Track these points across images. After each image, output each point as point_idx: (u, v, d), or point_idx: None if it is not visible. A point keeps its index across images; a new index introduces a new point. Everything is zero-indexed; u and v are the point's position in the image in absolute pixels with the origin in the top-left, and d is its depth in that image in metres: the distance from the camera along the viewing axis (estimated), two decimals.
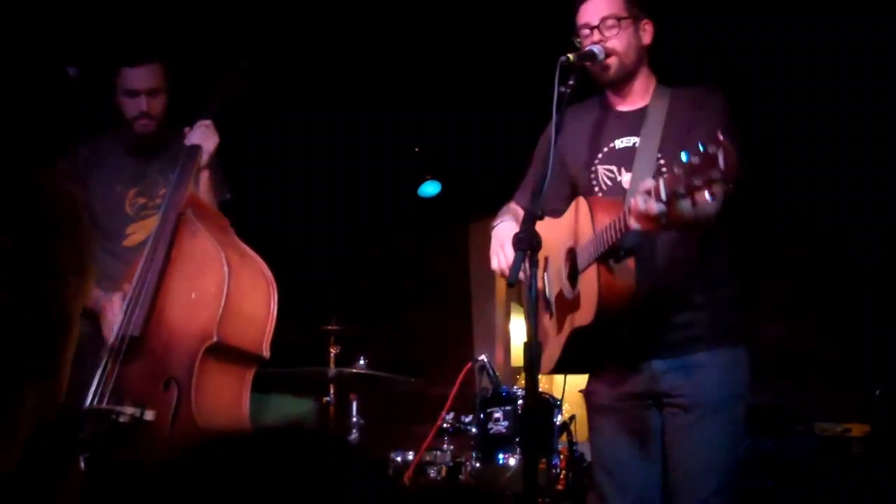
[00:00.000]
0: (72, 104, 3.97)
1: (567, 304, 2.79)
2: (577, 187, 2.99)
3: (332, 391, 4.85)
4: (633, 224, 2.43)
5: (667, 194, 2.30)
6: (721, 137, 2.18)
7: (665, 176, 2.31)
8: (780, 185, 4.93)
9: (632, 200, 2.43)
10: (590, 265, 2.65)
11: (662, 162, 2.80)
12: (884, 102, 4.65)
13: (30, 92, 4.12)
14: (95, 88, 3.72)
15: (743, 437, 2.85)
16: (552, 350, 2.85)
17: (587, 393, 3.02)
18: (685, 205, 2.31)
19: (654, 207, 2.34)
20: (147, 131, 3.70)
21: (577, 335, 2.73)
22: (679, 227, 2.51)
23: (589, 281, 2.66)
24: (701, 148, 2.21)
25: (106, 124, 3.83)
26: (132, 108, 3.66)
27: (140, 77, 3.66)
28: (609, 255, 2.60)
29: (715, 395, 2.76)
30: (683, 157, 2.25)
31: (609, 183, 2.90)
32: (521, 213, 3.02)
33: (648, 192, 2.36)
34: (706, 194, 2.22)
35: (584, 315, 2.67)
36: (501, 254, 2.90)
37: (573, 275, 2.78)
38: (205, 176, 3.56)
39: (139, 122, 3.68)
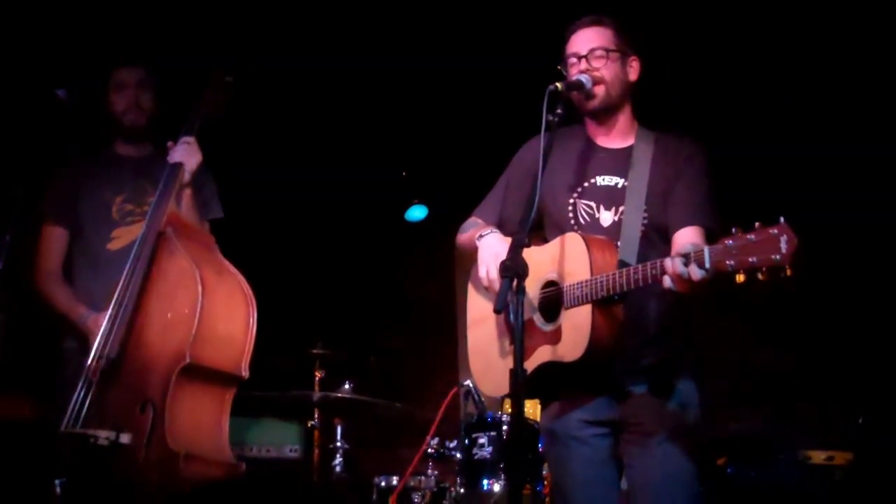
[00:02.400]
0: (61, 125, 3.98)
1: (539, 335, 2.79)
2: (549, 216, 3.00)
3: (317, 415, 4.85)
4: (668, 283, 2.46)
5: (711, 263, 2.34)
6: (783, 221, 2.25)
7: (714, 246, 2.35)
8: (766, 210, 4.95)
9: (668, 262, 2.46)
10: (582, 304, 2.67)
11: (645, 208, 2.85)
12: (868, 127, 4.71)
13: (20, 112, 4.12)
14: (84, 109, 3.74)
15: (699, 466, 2.86)
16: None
17: (545, 423, 3.01)
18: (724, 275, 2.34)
19: (697, 274, 2.38)
20: (137, 124, 3.76)
21: (553, 366, 2.75)
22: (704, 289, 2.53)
23: (578, 320, 2.68)
24: (759, 226, 2.27)
25: (95, 145, 3.85)
26: (122, 101, 3.75)
27: (129, 72, 3.77)
28: (609, 299, 2.64)
29: (669, 423, 2.81)
30: (734, 231, 2.31)
31: (587, 218, 2.92)
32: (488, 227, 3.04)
33: (686, 256, 2.40)
34: (759, 274, 2.27)
35: (569, 352, 2.69)
36: (493, 265, 2.87)
37: (550, 307, 2.79)
38: (187, 193, 3.57)
39: (128, 115, 3.75)
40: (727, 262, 2.31)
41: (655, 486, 2.79)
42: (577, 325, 2.69)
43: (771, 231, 2.26)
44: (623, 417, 2.84)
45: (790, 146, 4.98)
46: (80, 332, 3.47)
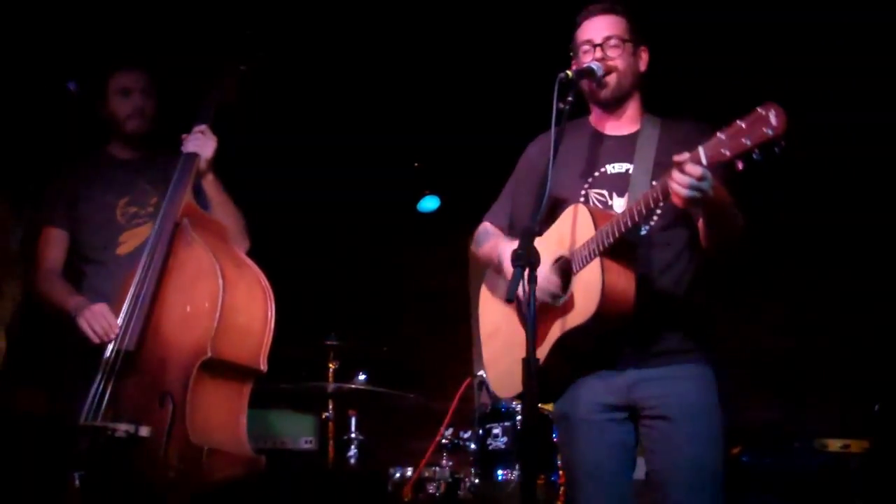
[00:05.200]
0: (71, 118, 3.97)
1: (552, 315, 2.77)
2: (560, 208, 2.94)
3: (331, 406, 4.85)
4: (673, 188, 2.43)
5: (707, 158, 2.37)
6: (769, 103, 2.27)
7: (707, 142, 2.37)
8: (780, 203, 4.94)
9: (665, 177, 2.46)
10: (590, 261, 2.66)
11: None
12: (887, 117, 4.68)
13: (29, 107, 4.12)
14: (93, 103, 3.73)
15: (723, 449, 2.83)
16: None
17: (558, 407, 2.96)
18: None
19: (698, 170, 2.39)
20: (140, 130, 3.70)
21: (566, 339, 2.73)
22: (716, 199, 2.54)
23: (588, 278, 2.66)
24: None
25: (98, 141, 3.83)
26: (126, 106, 3.68)
27: (133, 77, 3.70)
28: (617, 249, 2.62)
29: (691, 405, 2.77)
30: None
31: (600, 207, 2.90)
32: (501, 233, 3.03)
33: (681, 163, 2.41)
34: (754, 154, 2.28)
35: (582, 313, 2.67)
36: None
37: (563, 283, 2.77)
38: (210, 178, 3.55)
39: (132, 120, 3.68)
40: (723, 152, 2.34)
41: (681, 471, 2.74)
42: (587, 282, 2.66)
43: (759, 110, 2.29)
44: (640, 401, 2.80)
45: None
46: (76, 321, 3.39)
